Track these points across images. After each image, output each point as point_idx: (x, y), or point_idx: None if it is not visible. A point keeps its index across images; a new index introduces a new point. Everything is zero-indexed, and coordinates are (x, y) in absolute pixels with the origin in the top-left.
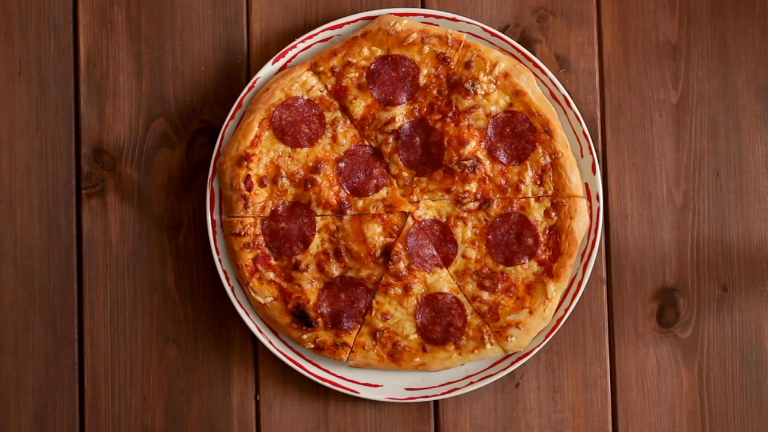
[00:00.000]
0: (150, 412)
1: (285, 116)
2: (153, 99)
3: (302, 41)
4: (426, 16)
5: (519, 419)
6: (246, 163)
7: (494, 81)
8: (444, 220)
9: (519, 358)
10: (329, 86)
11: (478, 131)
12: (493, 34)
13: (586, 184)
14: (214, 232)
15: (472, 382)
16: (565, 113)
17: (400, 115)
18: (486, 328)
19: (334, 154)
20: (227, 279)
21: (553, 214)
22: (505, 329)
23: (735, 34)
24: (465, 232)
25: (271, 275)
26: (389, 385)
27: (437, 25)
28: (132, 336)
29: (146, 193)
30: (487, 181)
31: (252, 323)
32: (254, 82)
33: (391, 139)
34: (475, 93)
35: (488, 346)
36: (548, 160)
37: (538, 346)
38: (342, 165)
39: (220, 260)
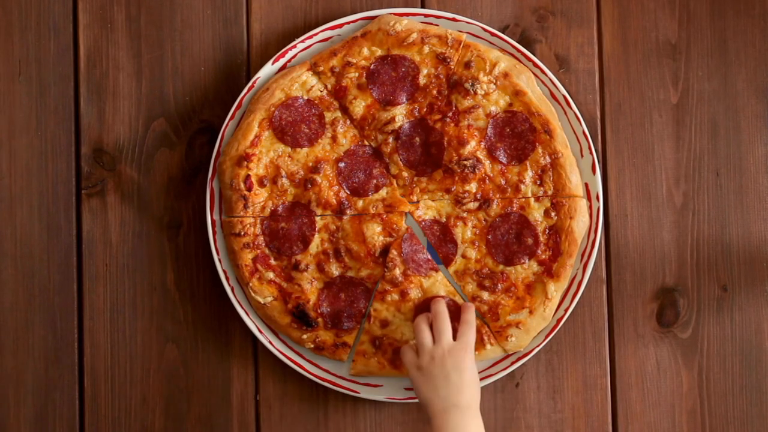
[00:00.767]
0: (150, 412)
1: (285, 116)
2: (153, 99)
3: (302, 41)
4: (426, 16)
5: (519, 419)
6: (246, 163)
7: (494, 81)
8: (444, 220)
9: (519, 358)
10: (329, 86)
11: (478, 131)
12: (492, 34)
13: (586, 184)
14: (214, 232)
15: None
16: (565, 113)
17: (400, 115)
18: (486, 328)
19: (334, 154)
20: (227, 279)
21: (553, 214)
22: (505, 329)
23: (735, 34)
24: (465, 232)
25: (271, 275)
26: (389, 386)
27: (437, 25)
28: (132, 336)
29: (146, 193)
30: (487, 181)
31: (252, 323)
32: (254, 82)
33: (391, 139)
34: (475, 93)
35: (488, 346)
36: (548, 160)
37: (538, 346)
38: (342, 165)
39: (219, 260)
